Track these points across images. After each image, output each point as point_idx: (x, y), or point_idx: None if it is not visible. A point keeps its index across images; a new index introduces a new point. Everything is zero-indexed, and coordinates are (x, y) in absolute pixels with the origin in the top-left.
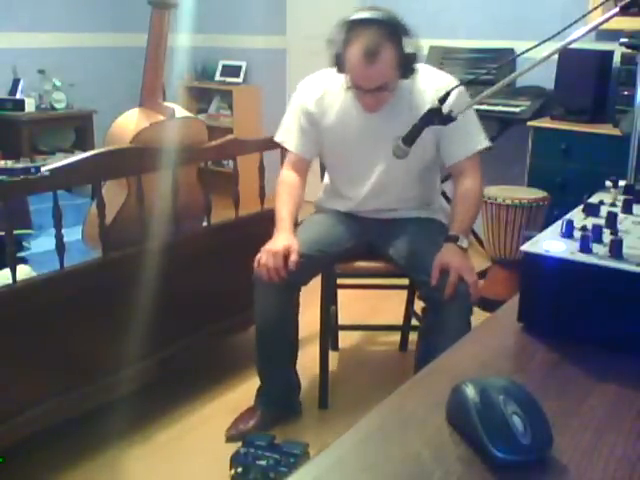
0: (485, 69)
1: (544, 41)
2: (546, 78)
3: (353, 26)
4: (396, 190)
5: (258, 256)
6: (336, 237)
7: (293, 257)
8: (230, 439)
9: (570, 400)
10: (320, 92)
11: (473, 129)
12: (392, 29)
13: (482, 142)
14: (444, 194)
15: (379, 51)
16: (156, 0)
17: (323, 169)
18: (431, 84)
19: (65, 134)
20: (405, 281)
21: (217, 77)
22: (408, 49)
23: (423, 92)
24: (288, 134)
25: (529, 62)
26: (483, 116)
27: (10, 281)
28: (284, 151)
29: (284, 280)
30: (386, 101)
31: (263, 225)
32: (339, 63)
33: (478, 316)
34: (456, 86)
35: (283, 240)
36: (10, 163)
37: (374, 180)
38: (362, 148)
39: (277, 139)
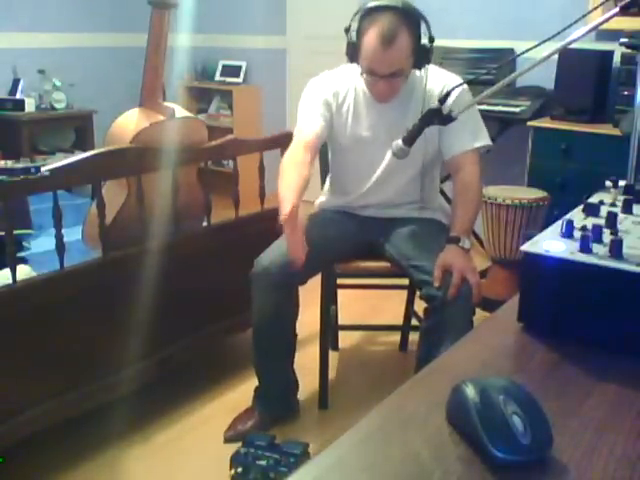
0: (485, 69)
1: (544, 41)
2: (546, 78)
3: (370, 12)
4: (398, 183)
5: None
6: (336, 237)
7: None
8: (228, 440)
9: (570, 400)
10: (333, 88)
11: (475, 126)
12: (409, 16)
13: (482, 139)
14: (444, 194)
15: (396, 36)
16: (156, 0)
17: (325, 172)
18: (443, 82)
19: (65, 134)
20: (405, 281)
21: (217, 77)
22: (423, 40)
23: (432, 89)
24: (308, 122)
25: (529, 62)
26: (483, 116)
27: (10, 281)
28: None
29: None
30: (398, 91)
31: (263, 225)
32: (353, 52)
33: (478, 316)
34: (457, 85)
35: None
36: (10, 163)
37: (379, 173)
38: (372, 141)
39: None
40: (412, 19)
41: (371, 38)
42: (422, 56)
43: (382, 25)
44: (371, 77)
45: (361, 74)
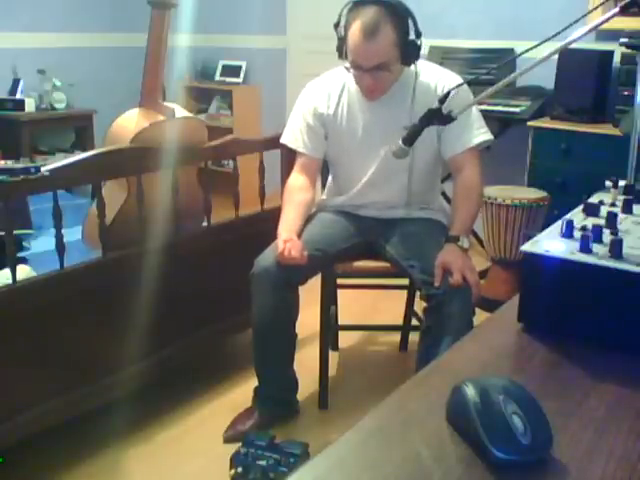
0: (485, 69)
1: (544, 41)
2: (546, 78)
3: (355, 6)
4: (399, 182)
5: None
6: (336, 237)
7: (294, 253)
8: (228, 440)
9: (570, 400)
10: (327, 91)
11: (474, 122)
12: (393, 10)
13: (482, 135)
14: (444, 194)
15: (378, 28)
16: (156, 0)
17: (326, 171)
18: (435, 78)
19: (65, 134)
20: (405, 281)
21: (217, 77)
22: (410, 35)
23: (427, 84)
24: (296, 135)
25: (529, 62)
26: (483, 116)
27: (10, 281)
28: (285, 153)
29: (305, 260)
30: (384, 85)
31: (263, 225)
32: (341, 47)
33: (478, 316)
34: (457, 86)
35: (284, 236)
36: (10, 163)
37: (373, 170)
38: (367, 138)
39: (283, 141)
40: (396, 13)
41: (354, 31)
42: (409, 51)
43: (364, 18)
44: (356, 71)
45: (347, 69)
